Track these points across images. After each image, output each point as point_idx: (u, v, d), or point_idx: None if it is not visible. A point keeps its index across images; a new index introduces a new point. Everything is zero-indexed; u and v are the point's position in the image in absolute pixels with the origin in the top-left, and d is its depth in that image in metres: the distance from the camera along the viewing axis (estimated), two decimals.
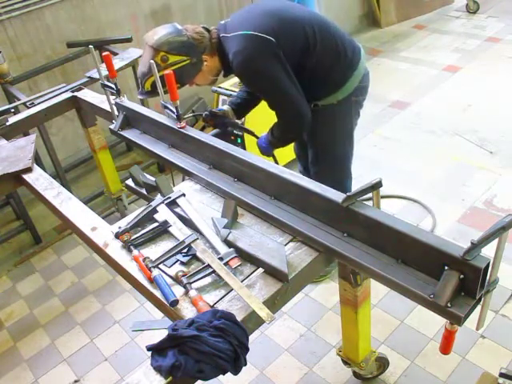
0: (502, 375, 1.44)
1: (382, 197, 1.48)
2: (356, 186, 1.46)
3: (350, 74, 2.15)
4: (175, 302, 1.43)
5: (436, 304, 1.25)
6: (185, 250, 1.61)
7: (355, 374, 2.15)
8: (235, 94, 2.47)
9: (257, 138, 2.35)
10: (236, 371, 1.29)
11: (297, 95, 2.02)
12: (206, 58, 2.06)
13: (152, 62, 1.89)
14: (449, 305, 1.24)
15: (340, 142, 2.32)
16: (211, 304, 1.44)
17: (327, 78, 2.13)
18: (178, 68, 1.98)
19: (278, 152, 2.36)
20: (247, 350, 1.31)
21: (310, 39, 2.03)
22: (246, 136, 2.98)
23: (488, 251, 1.24)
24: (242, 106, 2.35)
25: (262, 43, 1.94)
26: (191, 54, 2.00)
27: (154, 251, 1.66)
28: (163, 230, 1.73)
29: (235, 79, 3.10)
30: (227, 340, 1.27)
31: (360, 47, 2.23)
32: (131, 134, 2.28)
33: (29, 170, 2.21)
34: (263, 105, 2.18)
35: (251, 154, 1.81)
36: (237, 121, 2.36)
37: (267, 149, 2.29)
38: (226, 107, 2.33)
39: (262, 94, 2.16)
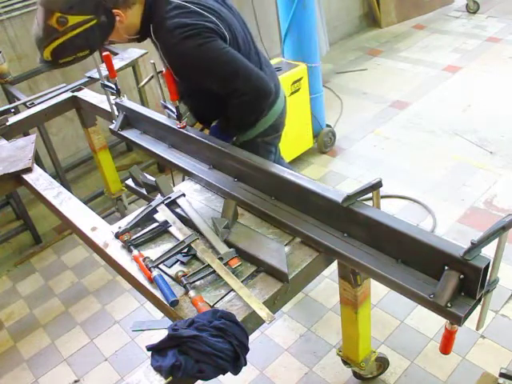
0: (501, 375, 1.43)
1: (382, 197, 1.48)
2: (356, 186, 1.46)
3: (266, 113, 1.93)
4: (175, 302, 1.43)
5: (436, 304, 1.25)
6: (185, 250, 1.61)
7: (355, 374, 2.15)
8: None
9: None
10: (236, 371, 1.29)
11: (252, 66, 1.77)
12: (119, 13, 1.68)
13: (152, 62, 1.89)
14: (449, 305, 1.24)
15: None
16: (211, 304, 1.44)
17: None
18: (82, 31, 1.62)
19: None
20: (247, 349, 1.31)
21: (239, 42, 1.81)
22: None
23: (488, 251, 1.24)
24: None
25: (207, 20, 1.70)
26: (97, 11, 1.61)
27: (153, 251, 1.66)
28: (163, 230, 1.73)
29: None
30: (227, 340, 1.27)
31: (279, 80, 2.05)
32: (131, 134, 2.28)
33: (29, 170, 2.21)
34: None
35: (251, 154, 1.80)
36: None
37: (225, 138, 1.96)
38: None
39: (207, 75, 1.77)
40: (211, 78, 1.77)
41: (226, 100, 1.81)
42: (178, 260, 1.61)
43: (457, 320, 1.24)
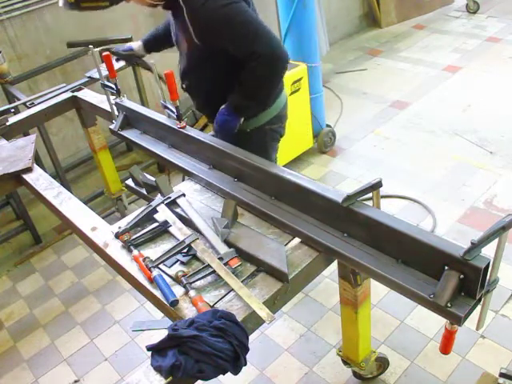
0: (501, 375, 1.43)
1: (382, 197, 1.48)
2: (356, 186, 1.46)
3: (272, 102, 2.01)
4: (175, 302, 1.43)
5: (436, 304, 1.25)
6: (185, 250, 1.61)
7: (355, 374, 2.15)
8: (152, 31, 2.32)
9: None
10: (236, 371, 1.29)
11: (271, 31, 1.80)
12: None
13: (152, 61, 1.89)
14: (449, 305, 1.24)
15: None
16: (211, 304, 1.44)
17: None
18: None
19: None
20: (247, 349, 1.31)
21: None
22: None
23: (488, 251, 1.24)
24: (155, 42, 2.30)
25: None
26: None
27: (154, 251, 1.66)
28: (163, 230, 1.73)
29: None
30: (227, 340, 1.27)
31: None
32: (131, 134, 2.28)
33: (29, 169, 2.21)
34: None
35: (251, 154, 1.81)
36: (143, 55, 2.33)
37: (233, 119, 1.92)
38: (136, 44, 2.31)
39: (230, 34, 1.79)
40: (233, 37, 1.79)
41: (244, 64, 1.80)
42: (178, 260, 1.61)
43: (457, 320, 1.24)
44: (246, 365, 1.31)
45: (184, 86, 2.10)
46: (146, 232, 1.71)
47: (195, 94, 2.13)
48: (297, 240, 1.61)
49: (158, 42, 2.29)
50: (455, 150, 3.50)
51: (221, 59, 1.88)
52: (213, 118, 2.01)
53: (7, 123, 2.55)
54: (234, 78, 1.86)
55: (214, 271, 1.49)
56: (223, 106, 1.95)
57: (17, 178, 2.23)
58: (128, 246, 1.67)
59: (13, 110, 2.73)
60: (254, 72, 1.81)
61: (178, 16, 1.88)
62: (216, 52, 1.87)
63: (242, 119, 1.96)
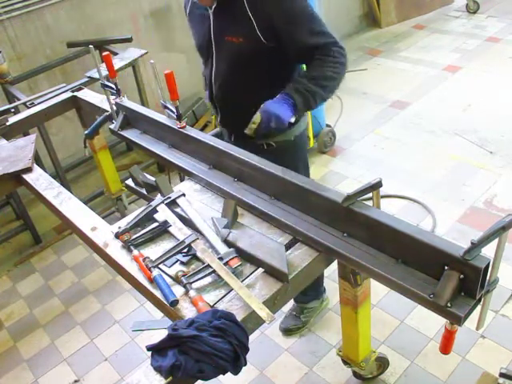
0: (501, 375, 1.43)
1: (382, 197, 1.48)
2: (356, 185, 1.46)
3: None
4: (175, 302, 1.43)
5: (436, 304, 1.25)
6: (185, 250, 1.60)
7: (355, 374, 2.15)
8: None
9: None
10: (236, 371, 1.29)
11: None
12: None
13: (152, 61, 1.89)
14: (449, 305, 1.24)
15: None
16: (211, 304, 1.44)
17: None
18: None
19: None
20: (247, 349, 1.31)
21: None
22: None
23: (488, 251, 1.24)
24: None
25: None
26: None
27: (154, 251, 1.66)
28: (163, 230, 1.73)
29: None
30: (227, 340, 1.27)
31: None
32: (131, 134, 2.28)
33: (29, 169, 2.21)
34: None
35: (251, 154, 1.80)
36: None
37: (287, 113, 1.68)
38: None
39: (299, 19, 1.69)
40: (312, 26, 1.70)
41: (324, 53, 1.69)
42: (178, 260, 1.61)
43: (457, 320, 1.24)
44: (246, 365, 1.31)
45: (214, 95, 1.95)
46: (146, 232, 1.71)
47: (226, 105, 1.95)
48: (297, 240, 1.60)
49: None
50: (455, 149, 3.50)
51: (267, 63, 1.78)
52: (238, 136, 1.88)
53: (7, 123, 2.55)
54: (277, 90, 1.72)
55: (214, 271, 1.49)
56: (270, 101, 1.70)
57: (17, 178, 2.23)
58: (128, 245, 1.67)
59: (13, 110, 2.73)
60: (334, 61, 1.69)
61: (227, 12, 1.75)
62: (266, 53, 1.75)
63: (294, 118, 1.73)
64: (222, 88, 1.91)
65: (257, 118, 1.69)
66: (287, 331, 2.42)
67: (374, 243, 1.43)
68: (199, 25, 1.91)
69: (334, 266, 1.64)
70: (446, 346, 1.39)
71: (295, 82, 1.72)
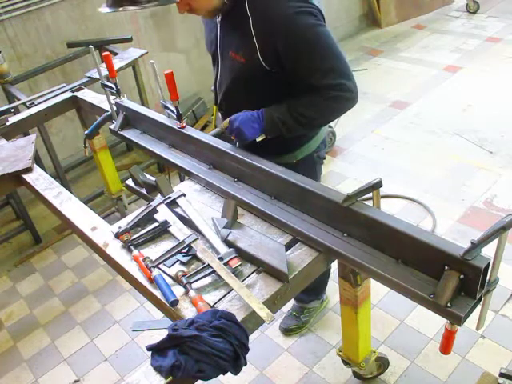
0: (501, 375, 1.44)
1: (382, 197, 1.48)
2: (356, 186, 1.46)
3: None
4: (175, 302, 1.43)
5: (436, 304, 1.25)
6: (185, 250, 1.60)
7: (355, 374, 2.15)
8: None
9: None
10: (236, 371, 1.29)
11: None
12: None
13: (152, 62, 1.89)
14: (449, 305, 1.24)
15: None
16: (211, 304, 1.44)
17: None
18: None
19: None
20: (247, 349, 1.31)
21: None
22: None
23: (488, 251, 1.24)
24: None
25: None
26: None
27: (154, 251, 1.66)
28: (163, 230, 1.73)
29: None
30: (227, 340, 1.27)
31: None
32: (131, 134, 2.28)
33: (29, 169, 2.21)
34: None
35: (251, 154, 1.80)
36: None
37: (255, 128, 1.66)
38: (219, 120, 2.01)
39: (306, 50, 1.55)
40: (317, 63, 1.57)
41: (321, 92, 1.60)
42: (178, 260, 1.61)
43: (457, 320, 1.24)
44: (246, 365, 1.31)
45: (219, 101, 1.90)
46: (146, 232, 1.71)
47: (229, 113, 1.85)
48: (297, 240, 1.61)
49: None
50: (455, 149, 3.50)
51: (268, 85, 1.66)
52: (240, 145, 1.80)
53: (7, 123, 2.55)
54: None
55: (214, 271, 1.49)
56: (246, 112, 1.69)
57: (17, 178, 2.23)
58: (128, 245, 1.67)
59: (13, 110, 2.73)
60: (331, 100, 1.61)
61: (232, 26, 1.66)
62: (268, 77, 1.63)
63: (262, 137, 1.70)
64: (225, 96, 1.86)
65: (225, 122, 1.74)
66: (287, 331, 2.42)
67: (374, 243, 1.43)
68: (210, 30, 1.83)
69: (334, 265, 1.64)
70: (446, 346, 1.39)
71: (275, 108, 1.65)
